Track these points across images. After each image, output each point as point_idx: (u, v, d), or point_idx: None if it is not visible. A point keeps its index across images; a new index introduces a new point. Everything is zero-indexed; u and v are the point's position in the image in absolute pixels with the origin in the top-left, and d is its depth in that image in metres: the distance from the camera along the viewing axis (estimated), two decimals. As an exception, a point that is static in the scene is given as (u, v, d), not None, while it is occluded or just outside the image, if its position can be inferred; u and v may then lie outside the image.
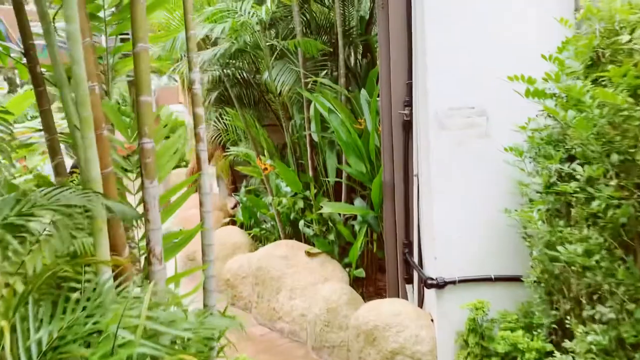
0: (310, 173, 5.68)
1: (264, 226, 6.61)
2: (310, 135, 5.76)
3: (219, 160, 9.04)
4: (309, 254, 5.06)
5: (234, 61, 6.98)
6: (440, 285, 3.47)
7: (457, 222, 3.56)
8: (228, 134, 7.50)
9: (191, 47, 2.51)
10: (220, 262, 6.31)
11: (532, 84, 2.69)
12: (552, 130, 2.81)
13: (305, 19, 6.63)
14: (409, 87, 4.06)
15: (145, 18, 2.26)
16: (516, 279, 3.28)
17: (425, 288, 3.71)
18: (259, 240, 6.70)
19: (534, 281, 2.94)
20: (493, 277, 3.40)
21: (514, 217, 3.04)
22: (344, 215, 5.25)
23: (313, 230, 5.36)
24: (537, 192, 2.85)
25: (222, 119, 7.44)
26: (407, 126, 4.14)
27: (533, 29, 3.42)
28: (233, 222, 7.47)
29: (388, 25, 4.18)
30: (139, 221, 2.46)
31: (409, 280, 4.32)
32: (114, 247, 2.09)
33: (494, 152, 3.31)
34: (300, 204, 5.41)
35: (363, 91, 5.34)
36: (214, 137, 8.03)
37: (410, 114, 4.07)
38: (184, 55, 7.32)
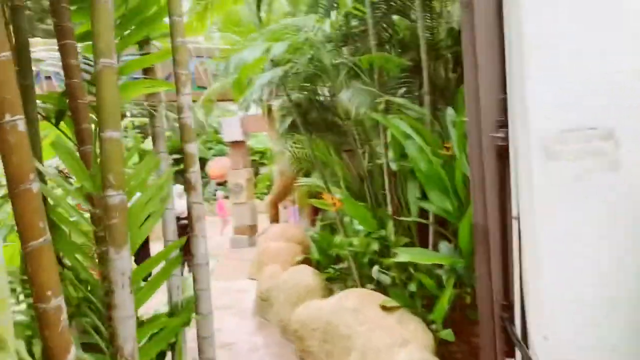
0: (389, 208, 4.84)
1: (339, 266, 5.83)
2: (388, 163, 4.94)
3: (298, 189, 8.47)
4: (384, 308, 4.20)
5: (308, 84, 6.40)
6: (555, 378, 2.47)
7: (577, 288, 2.55)
8: (301, 162, 6.87)
9: (179, 60, 1.84)
10: (289, 307, 5.63)
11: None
12: None
13: (387, 33, 5.92)
14: (503, 103, 3.13)
15: (110, 24, 1.62)
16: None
17: (532, 376, 2.71)
18: (336, 281, 5.93)
19: None
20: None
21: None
22: (428, 260, 4.33)
23: (390, 277, 4.49)
24: None
25: (298, 145, 6.84)
26: (502, 153, 3.19)
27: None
28: (309, 260, 6.77)
29: (473, 27, 3.29)
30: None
31: (510, 354, 3.31)
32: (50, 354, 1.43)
33: (627, 189, 2.31)
34: (375, 245, 4.57)
35: (449, 110, 4.45)
36: (290, 165, 7.47)
37: (506, 138, 3.13)
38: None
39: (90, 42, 2.37)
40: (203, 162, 23.33)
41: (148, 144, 16.84)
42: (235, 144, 13.09)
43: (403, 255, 3.74)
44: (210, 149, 23.46)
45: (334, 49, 5.76)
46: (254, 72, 5.80)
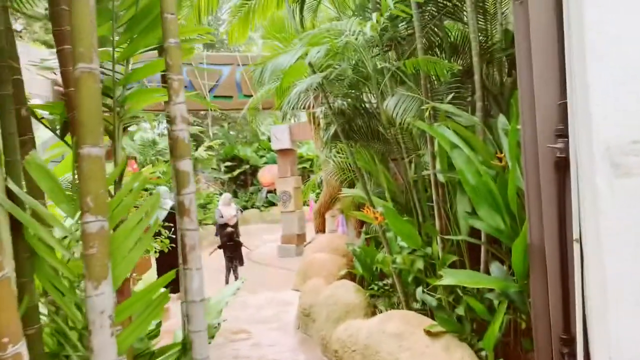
0: (436, 223, 4.49)
1: (384, 282, 5.51)
2: (435, 174, 4.60)
3: (343, 199, 8.20)
4: (429, 333, 3.86)
5: (352, 91, 6.15)
6: None
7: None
8: (344, 172, 6.60)
9: (172, 63, 1.62)
10: (330, 324, 5.37)
11: None
12: None
13: (436, 37, 5.60)
14: (563, 109, 2.77)
15: (91, 23, 1.43)
16: None
17: None
18: (380, 297, 5.60)
19: None
20: None
21: None
22: (478, 281, 3.94)
23: (436, 299, 4.14)
24: None
25: (341, 154, 6.58)
26: (562, 166, 2.83)
27: None
28: (353, 275, 6.47)
29: (528, 24, 2.94)
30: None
31: (572, 394, 2.91)
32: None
33: None
34: (420, 264, 4.23)
35: (501, 118, 4.07)
36: (334, 175, 7.23)
37: (566, 149, 2.76)
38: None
39: (103, 49, 2.22)
40: (255, 169, 23.52)
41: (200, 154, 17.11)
42: (284, 151, 13.00)
43: (449, 278, 3.38)
44: (262, 156, 23.61)
45: (379, 54, 5.48)
46: (297, 79, 5.61)
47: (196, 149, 17.31)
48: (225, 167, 23.22)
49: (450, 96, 4.90)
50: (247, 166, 23.67)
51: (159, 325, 2.74)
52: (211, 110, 8.72)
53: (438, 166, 4.51)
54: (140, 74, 2.09)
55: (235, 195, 23.78)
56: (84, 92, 1.37)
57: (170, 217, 7.28)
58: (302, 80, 4.95)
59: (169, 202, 7.73)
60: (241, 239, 10.22)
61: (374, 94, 5.49)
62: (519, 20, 3.09)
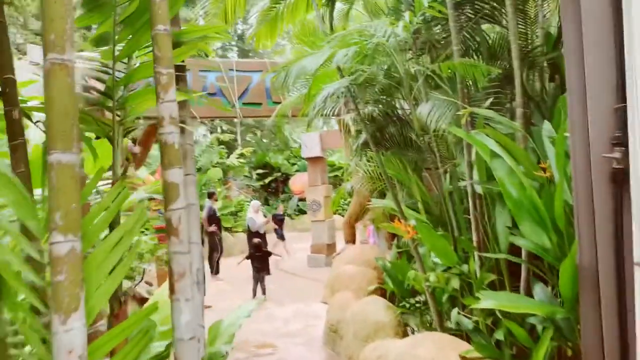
0: (473, 239, 4.15)
1: (416, 299, 5.18)
2: (472, 185, 4.28)
3: (375, 209, 7.89)
4: (465, 359, 3.52)
5: (384, 97, 5.89)
6: None
7: None
8: (375, 182, 6.31)
9: (160, 55, 1.40)
10: (359, 342, 5.08)
11: None
12: None
13: (473, 40, 5.30)
14: (621, 114, 2.44)
15: (64, 9, 1.21)
16: None
17: None
18: (411, 315, 5.28)
19: None
20: None
21: None
22: (519, 303, 3.59)
23: (473, 322, 3.80)
24: None
25: (371, 163, 6.30)
26: (620, 178, 2.49)
27: None
28: (383, 290, 6.15)
29: (580, 18, 2.62)
30: None
31: None
32: None
33: None
34: (455, 283, 3.90)
35: (545, 125, 3.73)
36: (364, 184, 6.94)
37: (625, 159, 2.42)
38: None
39: (107, 47, 2.02)
40: (286, 177, 23.42)
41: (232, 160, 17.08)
42: (314, 159, 12.78)
43: (488, 301, 3.06)
44: (294, 164, 23.49)
45: (412, 58, 5.20)
46: (326, 85, 5.38)
47: (227, 157, 17.29)
48: (257, 174, 23.20)
49: (488, 102, 4.57)
50: (279, 174, 23.61)
51: (168, 347, 2.50)
52: (241, 117, 8.53)
53: (476, 176, 4.19)
54: (142, 73, 1.88)
55: (266, 202, 23.71)
56: (55, 87, 1.16)
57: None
58: (330, 85, 4.68)
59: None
60: (271, 247, 10.04)
61: (406, 100, 5.20)
62: (568, 13, 2.77)
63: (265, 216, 11.76)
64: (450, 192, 4.70)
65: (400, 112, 6.03)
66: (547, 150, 3.55)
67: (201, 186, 15.61)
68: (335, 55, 3.80)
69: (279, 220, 13.47)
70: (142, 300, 6.44)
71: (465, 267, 3.94)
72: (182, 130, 2.30)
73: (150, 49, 2.01)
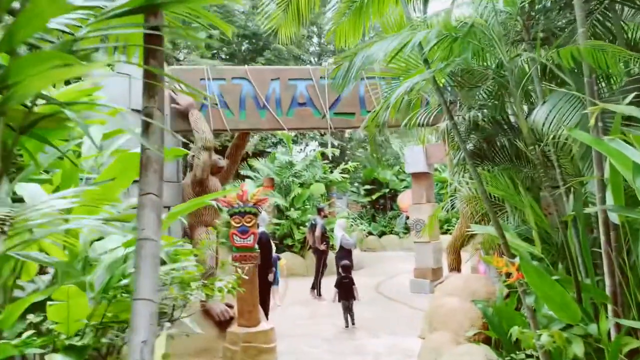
0: (607, 284, 3.02)
1: (527, 353, 4.06)
2: (606, 212, 3.16)
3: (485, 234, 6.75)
4: None
5: (492, 100, 4.87)
6: None
7: None
8: (479, 202, 5.27)
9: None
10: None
11: None
12: None
13: (606, 30, 4.22)
14: None
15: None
16: None
17: None
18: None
19: None
20: None
21: None
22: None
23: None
24: None
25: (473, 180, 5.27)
26: None
27: None
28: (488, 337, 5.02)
29: None
30: None
31: None
32: None
33: None
34: (578, 348, 2.79)
35: None
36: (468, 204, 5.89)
37: None
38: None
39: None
40: (395, 193, 22.41)
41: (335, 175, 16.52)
42: (418, 175, 11.77)
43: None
44: (402, 180, 22.45)
45: (526, 50, 4.17)
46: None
47: (331, 172, 16.79)
48: (365, 190, 22.49)
49: (627, 100, 3.42)
50: (387, 190, 22.70)
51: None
52: (332, 128, 7.85)
53: (610, 199, 3.07)
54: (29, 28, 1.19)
55: (373, 219, 22.87)
56: None
57: (259, 242, 6.61)
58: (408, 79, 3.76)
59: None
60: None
61: (511, 100, 4.17)
62: None
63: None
64: (573, 219, 3.57)
65: (513, 118, 4.98)
66: None
67: (304, 201, 15.23)
68: (411, 41, 2.92)
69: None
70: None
71: (593, 328, 2.83)
72: (147, 129, 1.62)
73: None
